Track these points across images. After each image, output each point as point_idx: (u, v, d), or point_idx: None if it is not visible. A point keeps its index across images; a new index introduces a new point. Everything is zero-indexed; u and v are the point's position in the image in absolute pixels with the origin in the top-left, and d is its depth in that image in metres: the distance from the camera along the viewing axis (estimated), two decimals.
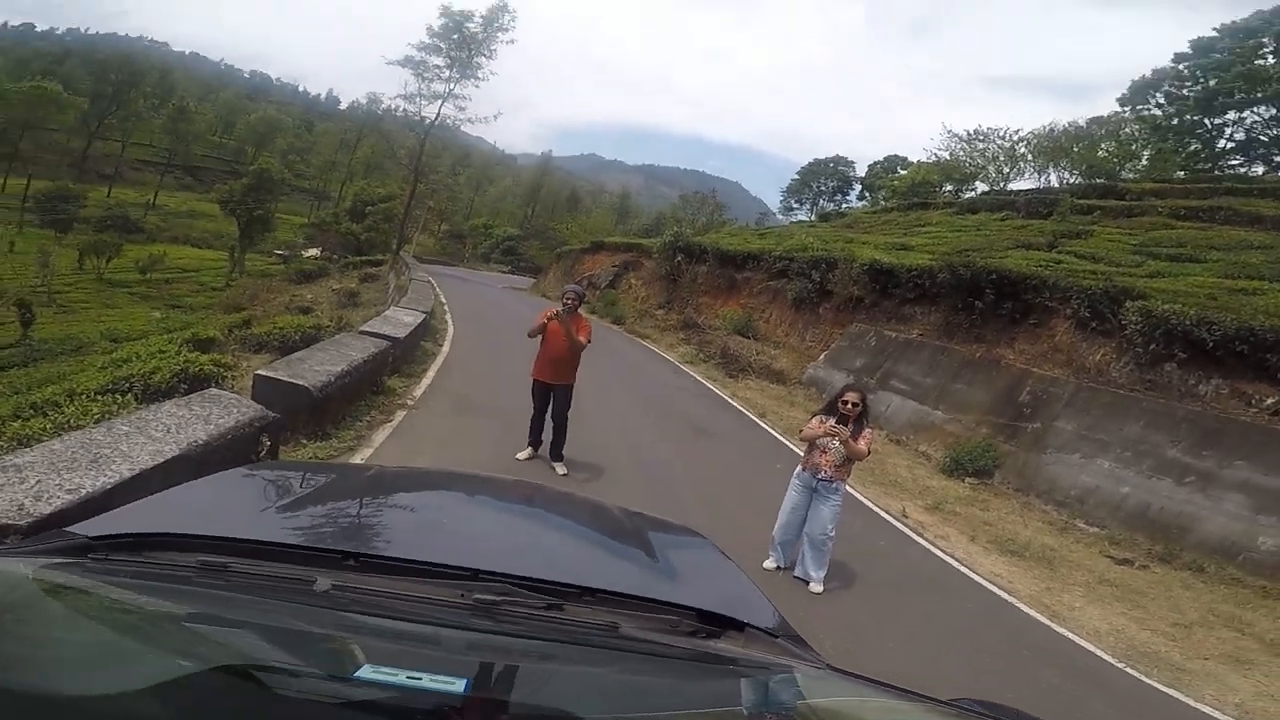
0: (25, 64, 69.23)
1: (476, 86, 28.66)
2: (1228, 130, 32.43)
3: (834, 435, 4.78)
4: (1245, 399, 8.17)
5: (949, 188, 35.54)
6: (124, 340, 19.66)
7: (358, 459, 5.44)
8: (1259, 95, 29.98)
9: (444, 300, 17.61)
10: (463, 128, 31.30)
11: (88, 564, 1.00)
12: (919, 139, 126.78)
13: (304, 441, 5.36)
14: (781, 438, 9.88)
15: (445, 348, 11.33)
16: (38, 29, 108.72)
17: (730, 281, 19.55)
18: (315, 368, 5.85)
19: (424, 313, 11.02)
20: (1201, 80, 32.31)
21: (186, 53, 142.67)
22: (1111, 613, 5.98)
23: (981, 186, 34.67)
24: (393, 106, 30.89)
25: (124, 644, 0.92)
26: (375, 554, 1.17)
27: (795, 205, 64.50)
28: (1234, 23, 32.50)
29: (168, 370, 6.23)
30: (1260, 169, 30.00)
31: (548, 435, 6.27)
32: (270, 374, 5.51)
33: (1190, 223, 15.97)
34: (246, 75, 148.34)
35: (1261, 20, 30.96)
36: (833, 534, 4.85)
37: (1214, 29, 33.08)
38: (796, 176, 65.99)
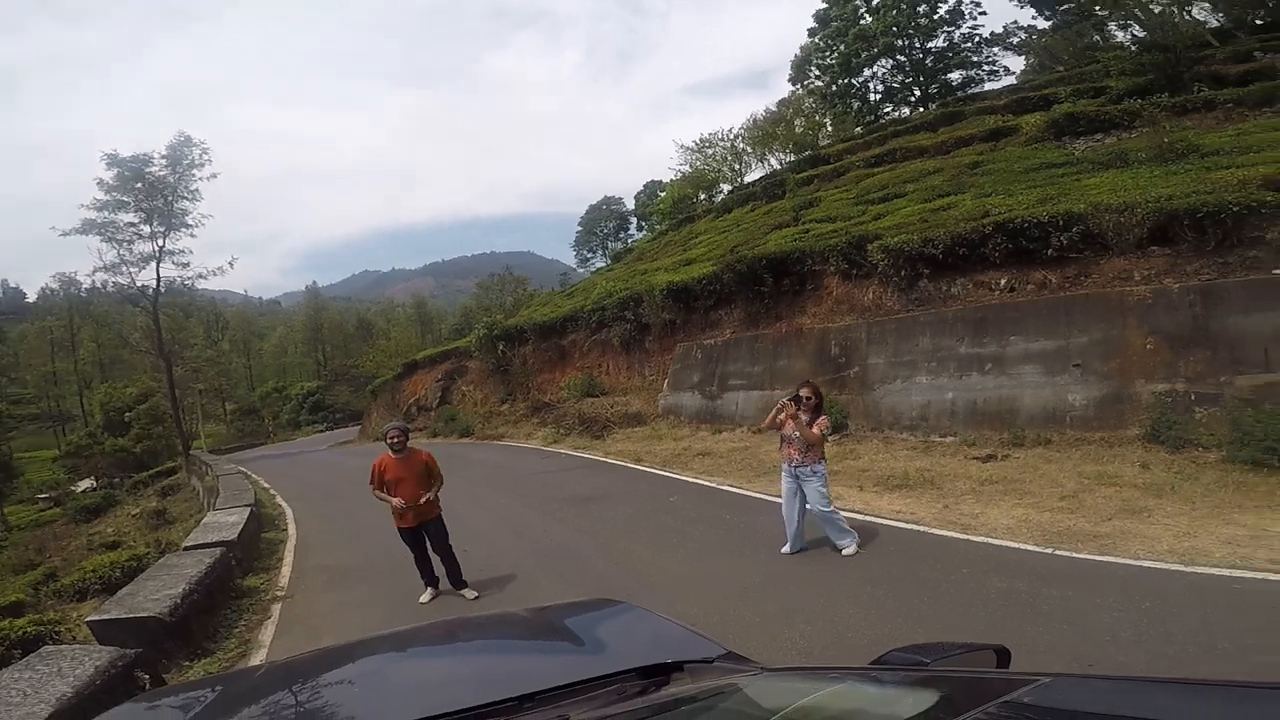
0: None
1: (193, 236, 24.68)
2: (871, 85, 37.76)
3: (783, 412, 5.48)
4: (986, 287, 10.09)
5: (703, 196, 39.59)
6: None
7: (256, 661, 5.21)
8: (875, 51, 34.95)
9: (267, 486, 16.09)
10: (197, 285, 26.99)
11: None
12: (662, 160, 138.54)
13: (186, 663, 5.18)
14: (664, 472, 10.42)
15: (291, 530, 10.58)
16: None
17: (559, 351, 19.90)
18: (154, 595, 5.65)
19: (248, 505, 10.27)
20: (834, 48, 36.58)
21: None
22: (1008, 507, 6.25)
23: (726, 187, 39.10)
24: (97, 284, 26.02)
25: None
26: None
27: (589, 255, 66.49)
28: None
29: None
30: (906, 110, 36.88)
31: (440, 570, 6.11)
32: (104, 616, 5.31)
33: (881, 168, 19.62)
34: None
35: None
36: (829, 507, 5.54)
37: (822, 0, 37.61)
38: (580, 228, 68.01)
